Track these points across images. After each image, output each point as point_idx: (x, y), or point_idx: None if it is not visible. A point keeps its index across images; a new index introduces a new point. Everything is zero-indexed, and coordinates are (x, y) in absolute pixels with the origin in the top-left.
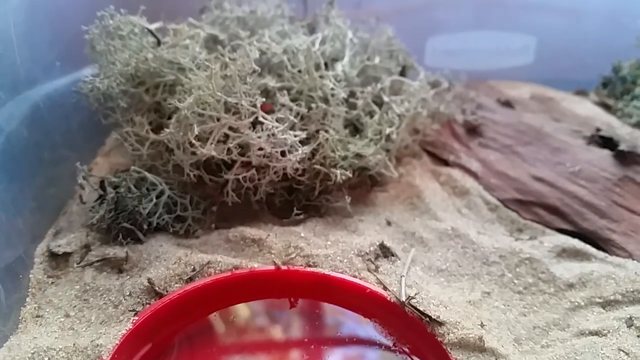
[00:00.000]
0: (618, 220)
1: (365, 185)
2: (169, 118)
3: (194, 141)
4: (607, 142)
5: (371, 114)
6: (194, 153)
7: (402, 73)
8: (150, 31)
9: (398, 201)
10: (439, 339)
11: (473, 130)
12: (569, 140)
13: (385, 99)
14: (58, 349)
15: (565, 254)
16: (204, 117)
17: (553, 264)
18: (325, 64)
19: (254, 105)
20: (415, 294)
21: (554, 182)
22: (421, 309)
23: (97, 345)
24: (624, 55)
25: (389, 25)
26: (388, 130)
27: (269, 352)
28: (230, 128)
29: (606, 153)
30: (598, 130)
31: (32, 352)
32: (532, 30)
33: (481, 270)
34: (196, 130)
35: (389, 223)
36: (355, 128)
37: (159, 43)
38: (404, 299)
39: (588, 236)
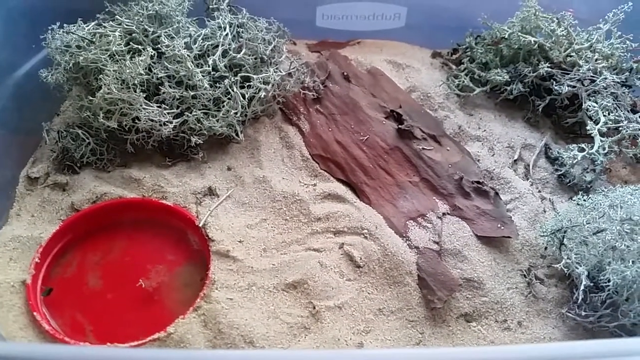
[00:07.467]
0: (375, 178)
1: (222, 141)
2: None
3: (102, 119)
4: (399, 118)
5: (230, 96)
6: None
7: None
8: None
9: (244, 152)
10: (210, 249)
11: (318, 98)
12: (373, 114)
13: (235, 90)
14: (25, 237)
15: (329, 197)
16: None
17: (316, 203)
18: (204, 55)
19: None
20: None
21: (346, 145)
22: (207, 231)
23: (42, 236)
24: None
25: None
26: (239, 111)
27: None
28: (129, 108)
29: (393, 127)
30: (394, 109)
31: (10, 238)
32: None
33: (269, 205)
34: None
35: (229, 169)
36: (220, 104)
37: None
38: (201, 224)
39: (352, 186)
